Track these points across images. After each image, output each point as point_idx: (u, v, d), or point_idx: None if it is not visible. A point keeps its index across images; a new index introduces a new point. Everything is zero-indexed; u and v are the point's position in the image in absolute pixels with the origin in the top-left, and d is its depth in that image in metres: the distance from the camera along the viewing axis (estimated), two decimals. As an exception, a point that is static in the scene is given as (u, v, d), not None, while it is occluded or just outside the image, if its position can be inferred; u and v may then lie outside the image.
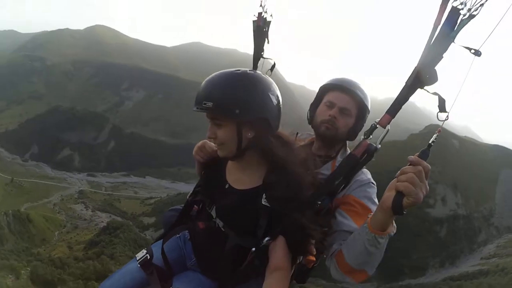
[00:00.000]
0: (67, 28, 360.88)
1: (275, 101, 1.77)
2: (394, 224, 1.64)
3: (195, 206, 2.21)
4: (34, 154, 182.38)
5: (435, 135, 1.40)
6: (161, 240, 2.13)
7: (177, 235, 2.17)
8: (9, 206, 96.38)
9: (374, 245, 1.62)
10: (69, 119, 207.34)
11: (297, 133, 2.37)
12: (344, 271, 1.85)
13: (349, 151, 2.29)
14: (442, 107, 1.45)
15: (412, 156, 1.44)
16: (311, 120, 2.39)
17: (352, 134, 2.26)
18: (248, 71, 1.78)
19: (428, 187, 1.43)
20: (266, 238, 1.73)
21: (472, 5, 1.31)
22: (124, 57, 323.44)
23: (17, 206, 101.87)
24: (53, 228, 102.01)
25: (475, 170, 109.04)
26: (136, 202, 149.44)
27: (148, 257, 2.02)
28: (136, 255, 2.06)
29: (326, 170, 2.19)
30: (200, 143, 2.20)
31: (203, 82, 1.77)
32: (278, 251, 1.73)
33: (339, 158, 2.26)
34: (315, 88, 2.68)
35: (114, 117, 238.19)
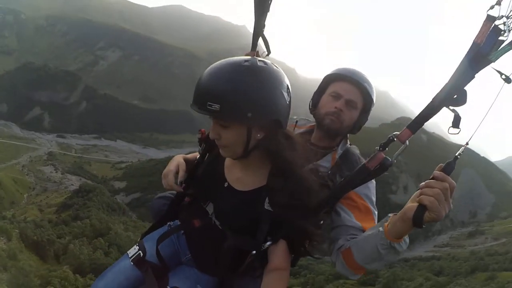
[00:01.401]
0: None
1: (287, 99, 1.62)
2: (407, 238, 1.64)
3: (186, 197, 2.11)
4: (2, 113, 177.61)
5: (462, 148, 1.37)
6: (153, 234, 2.04)
7: (170, 224, 2.07)
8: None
9: (387, 250, 1.61)
10: (41, 77, 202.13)
11: (296, 121, 2.35)
12: (352, 268, 1.85)
13: (349, 144, 2.29)
14: (456, 123, 1.42)
15: (438, 172, 1.41)
16: (313, 109, 2.30)
17: (356, 127, 2.22)
18: (258, 63, 1.55)
19: (451, 206, 1.39)
20: (268, 242, 1.67)
21: None
22: (102, 14, 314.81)
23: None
24: (22, 191, 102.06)
25: (438, 164, 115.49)
26: (107, 166, 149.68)
27: (141, 254, 1.95)
28: (128, 252, 1.97)
29: (326, 162, 2.16)
30: (166, 169, 2.04)
31: (205, 75, 1.55)
32: (279, 254, 1.69)
33: (340, 150, 2.21)
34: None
35: (87, 77, 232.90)
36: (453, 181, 1.39)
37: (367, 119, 2.24)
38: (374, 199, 2.05)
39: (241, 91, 1.48)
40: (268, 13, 2.06)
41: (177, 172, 2.00)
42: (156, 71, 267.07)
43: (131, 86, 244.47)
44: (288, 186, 1.64)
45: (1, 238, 30.65)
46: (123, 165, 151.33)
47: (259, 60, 1.57)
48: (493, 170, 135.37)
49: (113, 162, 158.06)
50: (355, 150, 2.25)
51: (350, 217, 1.94)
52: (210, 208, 1.87)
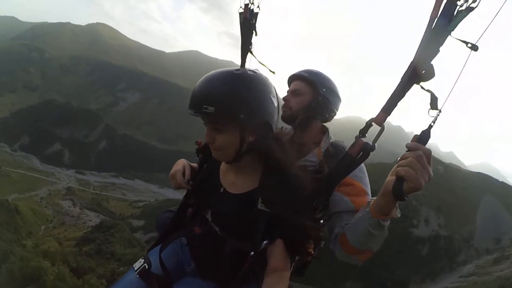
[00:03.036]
0: (69, 22, 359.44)
1: (275, 103, 1.72)
2: (398, 210, 1.62)
3: (189, 209, 2.15)
4: (24, 145, 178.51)
5: (436, 115, 1.37)
6: (158, 247, 2.06)
7: (175, 240, 2.09)
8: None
9: (378, 229, 1.65)
10: (63, 114, 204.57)
11: (282, 128, 2.29)
12: (349, 253, 1.89)
13: (332, 138, 2.35)
14: (434, 104, 1.40)
15: (410, 142, 1.43)
16: None
17: (311, 109, 2.29)
18: (248, 71, 1.68)
19: (431, 173, 1.39)
20: (265, 242, 1.70)
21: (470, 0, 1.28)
22: (122, 58, 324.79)
23: (3, 195, 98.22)
24: (39, 222, 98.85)
25: (458, 194, 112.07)
26: (124, 204, 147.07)
27: (146, 266, 1.96)
28: (134, 265, 1.98)
29: (313, 156, 2.26)
30: (173, 169, 2.11)
31: (199, 82, 1.65)
32: (277, 254, 1.72)
33: (323, 144, 2.29)
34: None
35: (108, 117, 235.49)
36: (427, 148, 1.39)
37: (323, 102, 2.33)
38: (367, 181, 2.13)
39: (234, 94, 1.56)
40: (254, 34, 2.27)
41: (183, 172, 2.08)
42: (174, 113, 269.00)
43: (149, 127, 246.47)
44: (280, 184, 1.70)
45: (46, 261, 28.49)
46: (140, 204, 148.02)
47: (248, 70, 1.69)
48: None
49: (130, 200, 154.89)
50: (340, 142, 2.34)
51: (345, 202, 2.00)
52: (209, 216, 1.94)
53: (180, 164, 2.14)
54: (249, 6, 2.22)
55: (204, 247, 1.96)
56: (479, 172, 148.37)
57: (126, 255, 50.00)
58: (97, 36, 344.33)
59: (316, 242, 1.93)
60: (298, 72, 2.40)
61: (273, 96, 1.70)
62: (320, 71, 2.42)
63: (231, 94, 1.57)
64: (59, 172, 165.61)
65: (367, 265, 76.31)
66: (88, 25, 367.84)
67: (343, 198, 2.00)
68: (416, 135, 1.42)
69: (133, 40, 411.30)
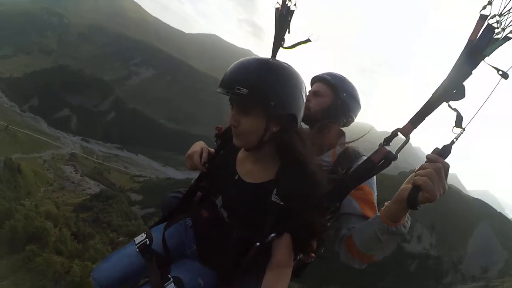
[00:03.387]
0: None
1: (304, 98, 1.73)
2: (409, 216, 1.65)
3: (198, 192, 2.14)
4: (33, 107, 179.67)
5: (460, 133, 1.43)
6: (161, 225, 2.05)
7: (180, 221, 2.09)
8: (0, 152, 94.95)
9: (385, 235, 1.68)
10: (75, 81, 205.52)
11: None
12: (354, 256, 1.91)
13: (346, 140, 2.39)
14: (459, 123, 1.45)
15: (431, 154, 1.48)
16: None
17: (329, 112, 2.33)
18: (283, 63, 1.70)
19: (446, 187, 1.43)
20: (272, 234, 1.69)
21: (507, 25, 1.33)
22: (140, 32, 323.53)
23: (7, 154, 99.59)
24: (40, 184, 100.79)
25: (454, 217, 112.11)
26: (126, 177, 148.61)
27: (148, 242, 1.97)
28: (135, 239, 1.99)
29: (327, 157, 2.29)
30: (191, 150, 2.12)
31: (234, 64, 1.66)
32: (283, 248, 1.71)
33: (339, 147, 2.33)
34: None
35: (120, 89, 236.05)
36: (447, 163, 1.44)
37: (342, 105, 2.37)
38: (375, 187, 2.18)
39: (268, 81, 1.58)
40: (287, 31, 2.29)
41: (201, 154, 2.08)
42: (185, 94, 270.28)
43: (159, 104, 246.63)
44: (297, 179, 1.70)
45: (49, 223, 28.44)
46: (141, 179, 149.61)
47: (284, 63, 1.71)
48: (509, 225, 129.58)
49: (132, 174, 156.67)
50: (355, 147, 2.35)
51: (354, 205, 2.04)
52: (219, 201, 1.91)
53: (198, 146, 2.12)
54: (286, 3, 2.23)
55: (209, 231, 1.94)
56: (478, 199, 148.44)
57: (122, 227, 50.25)
58: (118, 8, 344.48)
59: (321, 242, 1.97)
60: (321, 74, 2.46)
61: (303, 92, 1.70)
62: (344, 76, 2.48)
63: (266, 81, 1.58)
64: (65, 137, 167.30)
65: (353, 270, 76.24)
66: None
67: (352, 202, 2.03)
68: (437, 148, 1.46)
69: (154, 16, 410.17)
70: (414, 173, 1.47)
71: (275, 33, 2.29)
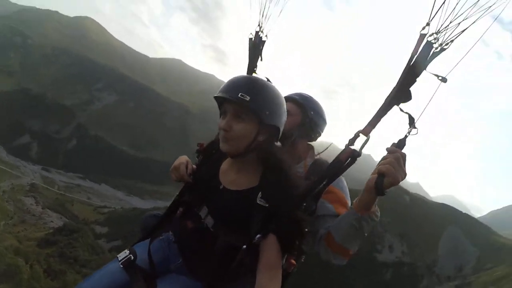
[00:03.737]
0: (57, 12, 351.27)
1: (285, 118, 1.98)
2: (378, 208, 1.89)
3: (180, 209, 2.22)
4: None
5: (411, 128, 1.74)
6: (143, 242, 2.10)
7: (161, 237, 2.15)
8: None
9: (360, 224, 1.88)
10: (36, 105, 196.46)
11: None
12: (333, 251, 2.07)
13: (315, 153, 2.66)
14: (411, 123, 1.74)
15: (389, 147, 1.75)
16: None
17: (299, 129, 2.56)
18: (274, 86, 1.96)
19: (406, 173, 1.70)
20: (258, 235, 1.78)
21: (443, 40, 1.64)
22: (105, 56, 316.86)
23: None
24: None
25: (422, 224, 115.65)
26: (89, 208, 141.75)
27: (132, 257, 1.98)
28: (118, 255, 2.00)
29: (300, 168, 2.52)
30: (177, 162, 2.25)
31: (235, 77, 1.90)
32: (270, 248, 1.78)
33: (309, 159, 2.58)
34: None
35: (81, 114, 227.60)
36: (403, 152, 1.72)
37: (312, 123, 2.61)
38: (347, 191, 2.40)
39: (266, 93, 1.84)
40: (260, 59, 2.63)
41: (186, 166, 2.21)
42: (149, 120, 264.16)
43: (122, 130, 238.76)
44: (280, 182, 1.89)
45: (20, 259, 27.72)
46: (105, 210, 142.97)
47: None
48: (476, 225, 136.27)
49: (95, 205, 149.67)
50: (324, 159, 2.60)
51: (328, 207, 2.22)
52: (203, 212, 2.00)
53: (183, 158, 2.26)
54: (259, 34, 2.57)
55: (195, 242, 2.00)
56: (443, 204, 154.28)
57: (91, 261, 49.03)
58: (83, 30, 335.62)
59: (301, 251, 2.19)
60: (291, 94, 2.66)
61: (285, 110, 1.98)
62: (311, 95, 2.71)
63: (264, 92, 1.83)
64: (25, 166, 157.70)
65: (333, 281, 78.83)
66: (76, 17, 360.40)
67: (325, 204, 2.20)
68: (394, 143, 1.76)
69: (119, 40, 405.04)
70: (378, 163, 1.74)
71: (248, 60, 2.57)
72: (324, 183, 1.94)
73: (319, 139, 2.76)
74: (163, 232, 2.19)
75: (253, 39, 2.62)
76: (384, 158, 1.74)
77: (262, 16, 2.55)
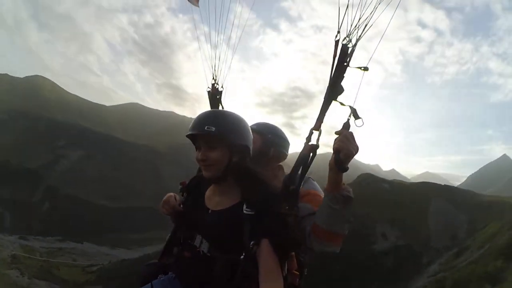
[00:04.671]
0: (7, 74, 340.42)
1: (251, 136, 2.21)
2: (349, 188, 2.09)
3: (174, 248, 2.34)
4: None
5: (351, 111, 2.00)
6: (148, 285, 2.18)
7: (161, 277, 2.23)
8: None
9: (336, 202, 2.03)
10: (1, 174, 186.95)
11: None
12: (322, 238, 2.17)
13: (286, 172, 2.76)
14: (355, 114, 1.97)
15: (338, 130, 1.99)
16: None
17: (262, 153, 2.77)
18: (234, 112, 2.23)
19: (358, 146, 1.92)
20: (252, 242, 1.91)
21: (354, 41, 1.97)
22: (61, 112, 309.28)
23: None
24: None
25: (407, 205, 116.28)
26: (77, 270, 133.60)
27: None
28: None
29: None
30: (165, 197, 2.45)
31: (199, 115, 2.13)
32: (265, 254, 1.88)
33: (281, 177, 2.68)
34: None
35: (49, 176, 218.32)
36: (349, 131, 2.00)
37: (273, 142, 2.90)
38: (321, 190, 2.57)
39: (228, 121, 2.10)
40: (220, 107, 3.00)
41: (175, 198, 2.47)
42: (119, 169, 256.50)
43: (95, 185, 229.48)
44: (261, 190, 2.10)
45: None
46: (94, 269, 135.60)
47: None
48: (458, 192, 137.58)
49: (82, 265, 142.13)
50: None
51: (308, 206, 2.37)
52: (197, 241, 2.17)
53: (170, 193, 2.47)
54: (215, 86, 2.90)
55: (195, 271, 2.10)
56: (422, 182, 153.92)
57: None
58: (36, 89, 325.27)
59: (303, 264, 2.38)
60: (252, 125, 2.82)
61: (250, 131, 2.22)
62: (267, 122, 2.97)
63: (226, 120, 2.08)
64: (1, 238, 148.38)
65: (342, 279, 78.54)
66: (27, 77, 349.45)
67: (305, 205, 2.36)
68: (342, 127, 2.01)
69: (72, 94, 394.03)
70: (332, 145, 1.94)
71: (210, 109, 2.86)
72: (298, 178, 2.21)
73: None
74: (163, 275, 2.26)
75: (210, 91, 2.95)
76: (335, 139, 1.98)
77: (215, 70, 2.91)
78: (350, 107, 2.02)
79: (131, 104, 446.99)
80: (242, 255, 1.91)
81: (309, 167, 2.21)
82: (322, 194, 2.38)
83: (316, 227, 2.15)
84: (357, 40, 2.00)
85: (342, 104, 2.07)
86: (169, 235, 2.35)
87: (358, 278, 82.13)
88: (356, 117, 1.99)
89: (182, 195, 2.47)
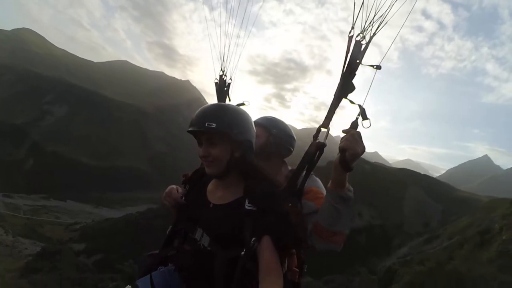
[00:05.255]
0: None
1: (254, 130, 2.18)
2: (351, 188, 2.06)
3: (175, 240, 2.32)
4: None
5: (360, 110, 1.98)
6: (146, 277, 2.14)
7: (161, 269, 2.20)
8: None
9: (339, 202, 2.00)
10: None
11: None
12: (324, 237, 2.14)
13: (289, 167, 2.83)
14: (363, 114, 1.95)
15: (345, 129, 1.97)
16: None
17: (266, 148, 2.75)
18: (237, 106, 2.21)
19: (364, 146, 1.92)
20: (253, 239, 1.87)
21: (370, 36, 1.93)
22: (49, 67, 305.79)
23: None
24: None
25: (385, 189, 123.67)
26: (60, 228, 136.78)
27: None
28: None
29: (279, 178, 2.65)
30: (167, 189, 2.42)
31: (201, 109, 2.07)
32: (266, 251, 1.86)
33: (284, 172, 2.78)
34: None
35: (35, 132, 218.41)
36: (356, 130, 1.95)
37: (276, 141, 2.79)
38: (324, 188, 2.50)
39: (229, 116, 2.02)
40: (228, 99, 2.87)
41: (177, 190, 2.41)
42: (105, 127, 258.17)
43: (79, 142, 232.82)
44: (263, 186, 2.05)
45: None
46: (77, 227, 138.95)
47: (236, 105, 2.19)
48: (436, 184, 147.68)
49: (66, 223, 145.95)
50: None
51: (311, 204, 2.32)
52: (198, 235, 2.10)
53: (172, 186, 2.46)
54: (223, 78, 2.83)
55: (195, 264, 2.07)
56: (402, 168, 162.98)
57: (86, 279, 48.38)
58: (23, 43, 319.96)
59: (303, 262, 2.40)
60: (257, 119, 2.85)
61: (253, 125, 2.16)
62: (273, 116, 2.95)
63: (227, 115, 2.01)
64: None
65: (312, 252, 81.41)
66: (14, 30, 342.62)
67: (307, 203, 2.31)
68: (350, 126, 1.99)
69: (60, 49, 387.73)
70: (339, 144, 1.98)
71: (217, 101, 2.78)
72: (302, 176, 2.16)
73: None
74: (163, 266, 2.23)
75: (218, 82, 2.91)
76: (342, 138, 1.95)
77: (223, 61, 2.84)
78: (360, 106, 1.98)
79: (121, 61, 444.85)
80: (243, 251, 1.88)
81: (315, 165, 2.15)
82: (324, 192, 2.41)
83: (318, 226, 2.14)
84: (371, 38, 1.96)
85: (352, 102, 2.01)
86: (170, 227, 2.33)
87: (330, 252, 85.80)
88: (364, 117, 1.97)
89: (185, 187, 2.44)
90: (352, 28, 1.99)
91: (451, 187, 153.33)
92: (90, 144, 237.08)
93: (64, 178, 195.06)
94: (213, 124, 1.96)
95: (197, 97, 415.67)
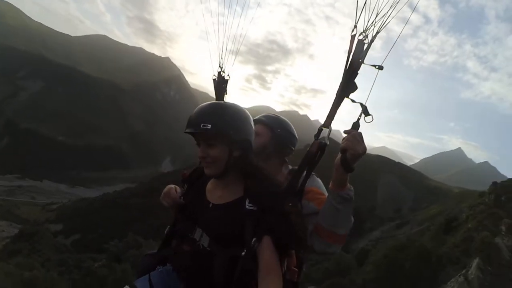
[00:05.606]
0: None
1: (253, 128, 2.14)
2: (352, 188, 2.10)
3: (173, 240, 2.29)
4: None
5: (362, 110, 1.99)
6: (144, 277, 2.15)
7: (159, 269, 2.20)
8: None
9: (340, 202, 2.04)
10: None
11: None
12: (325, 238, 2.16)
13: (290, 166, 2.83)
14: (365, 111, 1.99)
15: (347, 129, 2.00)
16: None
17: (269, 147, 2.73)
18: (233, 103, 2.14)
19: (365, 147, 1.97)
20: (253, 239, 1.86)
21: (371, 37, 1.96)
22: (24, 41, 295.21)
23: None
24: None
25: (360, 174, 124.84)
26: (36, 208, 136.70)
27: None
28: None
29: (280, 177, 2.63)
30: (166, 188, 2.38)
31: (197, 109, 2.02)
32: (266, 251, 1.86)
33: (285, 171, 2.76)
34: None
35: (8, 109, 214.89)
36: (358, 131, 1.98)
37: (279, 141, 2.77)
38: (323, 187, 2.52)
39: (225, 115, 1.98)
40: (225, 94, 2.91)
41: (176, 190, 2.36)
42: (81, 104, 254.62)
43: (55, 120, 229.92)
44: (264, 185, 2.04)
45: None
46: (54, 207, 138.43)
47: (233, 103, 2.15)
48: (409, 171, 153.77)
49: (42, 204, 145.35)
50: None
51: (311, 205, 2.32)
52: (197, 235, 2.08)
53: (170, 185, 2.42)
54: (221, 74, 2.86)
55: (193, 265, 2.05)
56: (378, 155, 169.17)
57: (67, 260, 48.51)
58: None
59: (301, 261, 2.44)
60: (258, 117, 2.85)
61: (252, 123, 2.14)
62: (277, 115, 2.95)
63: (223, 115, 1.97)
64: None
65: None
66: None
67: (308, 203, 2.31)
68: (351, 126, 2.03)
69: (36, 21, 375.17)
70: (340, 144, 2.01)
71: (216, 97, 2.87)
72: (303, 176, 2.13)
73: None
74: (161, 266, 2.24)
75: (216, 79, 2.89)
76: (343, 138, 1.96)
77: (222, 58, 2.83)
78: (361, 104, 1.96)
79: (99, 36, 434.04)
80: (243, 251, 1.85)
81: (316, 165, 2.11)
82: (324, 192, 2.39)
83: (319, 227, 2.13)
84: (374, 37, 1.95)
85: (353, 101, 2.00)
86: (169, 226, 2.28)
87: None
88: (367, 114, 1.97)
89: (183, 187, 2.36)
90: (355, 27, 1.98)
91: (424, 176, 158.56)
92: (65, 122, 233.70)
93: (40, 157, 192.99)
94: (209, 125, 1.91)
95: (177, 74, 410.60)
